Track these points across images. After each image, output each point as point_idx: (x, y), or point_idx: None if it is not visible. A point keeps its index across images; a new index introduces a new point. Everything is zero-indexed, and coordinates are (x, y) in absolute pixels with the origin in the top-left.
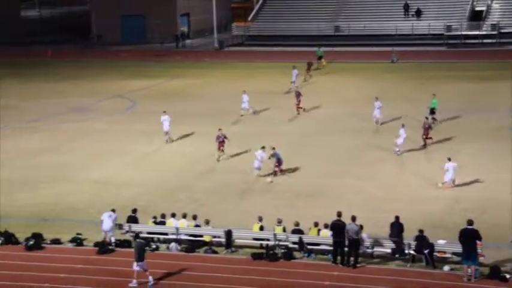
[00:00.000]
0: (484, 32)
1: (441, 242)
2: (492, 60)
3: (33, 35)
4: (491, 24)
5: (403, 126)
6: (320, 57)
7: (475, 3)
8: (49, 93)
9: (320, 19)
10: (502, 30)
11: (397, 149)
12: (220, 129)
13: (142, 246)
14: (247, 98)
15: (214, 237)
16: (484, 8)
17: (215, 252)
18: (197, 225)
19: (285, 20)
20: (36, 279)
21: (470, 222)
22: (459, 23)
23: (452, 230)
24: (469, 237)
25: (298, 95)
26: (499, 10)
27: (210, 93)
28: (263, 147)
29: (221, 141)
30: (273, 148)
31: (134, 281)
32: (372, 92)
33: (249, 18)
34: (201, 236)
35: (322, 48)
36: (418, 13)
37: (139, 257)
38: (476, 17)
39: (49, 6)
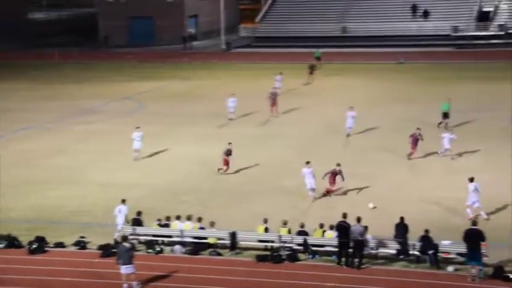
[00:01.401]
0: (492, 33)
1: (446, 242)
2: (500, 61)
3: (41, 37)
4: (499, 24)
5: (450, 131)
6: (318, 58)
7: (482, 3)
8: (58, 95)
9: (327, 20)
10: (510, 31)
11: (441, 152)
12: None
13: (127, 250)
14: (233, 102)
15: (219, 239)
16: (491, 9)
17: (219, 254)
18: (202, 228)
19: (292, 22)
20: (39, 284)
21: (474, 223)
22: (466, 23)
23: (456, 230)
24: (474, 237)
25: (273, 97)
26: (507, 11)
27: (217, 94)
28: (308, 162)
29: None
30: (338, 164)
31: (125, 285)
32: (378, 92)
33: (257, 20)
34: (205, 238)
35: (321, 50)
36: (426, 14)
37: (126, 261)
38: (484, 17)
39: (57, 8)
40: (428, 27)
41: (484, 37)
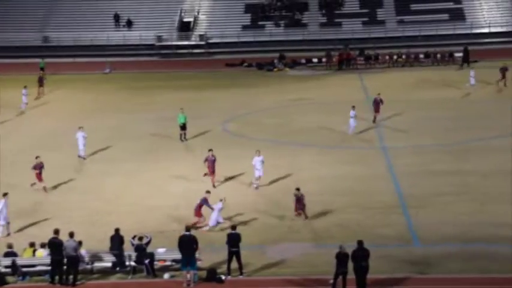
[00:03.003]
0: (193, 42)
1: (161, 250)
2: (203, 70)
3: None
4: (200, 34)
5: (257, 152)
6: (42, 69)
7: (183, 14)
8: None
9: (26, 29)
10: (210, 41)
11: (255, 184)
12: (208, 192)
13: None
14: None
15: None
16: (191, 19)
17: None
18: None
19: None
20: None
21: (187, 229)
22: (169, 33)
23: (171, 237)
24: (187, 243)
25: None
26: (206, 21)
27: None
28: (5, 194)
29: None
30: (208, 192)
31: None
32: (88, 104)
33: None
34: None
35: (46, 60)
36: (129, 23)
37: None
38: (186, 27)
39: None
40: (133, 36)
41: (186, 46)
